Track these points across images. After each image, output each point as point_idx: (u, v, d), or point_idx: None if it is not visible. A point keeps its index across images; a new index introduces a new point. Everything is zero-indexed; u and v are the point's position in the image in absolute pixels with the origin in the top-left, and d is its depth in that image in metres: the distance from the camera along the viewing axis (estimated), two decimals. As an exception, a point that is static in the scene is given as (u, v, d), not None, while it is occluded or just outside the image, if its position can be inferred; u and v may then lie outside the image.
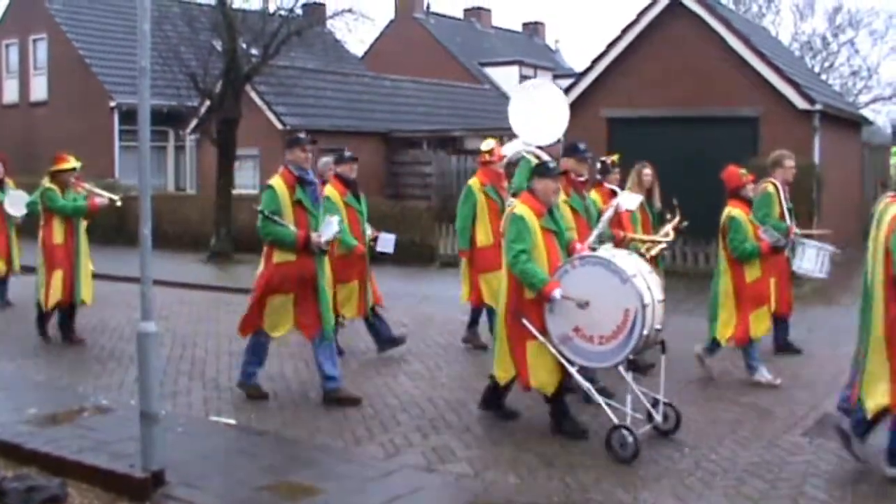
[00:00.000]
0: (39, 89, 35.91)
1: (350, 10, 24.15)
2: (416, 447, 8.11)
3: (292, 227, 9.22)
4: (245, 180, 28.18)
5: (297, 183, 9.44)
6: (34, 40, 36.04)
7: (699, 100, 20.44)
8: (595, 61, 22.69)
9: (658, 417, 8.30)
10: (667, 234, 11.48)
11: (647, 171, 11.94)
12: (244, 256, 22.19)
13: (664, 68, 21.31)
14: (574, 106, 22.73)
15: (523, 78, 45.70)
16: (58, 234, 12.61)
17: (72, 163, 12.87)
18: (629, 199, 10.68)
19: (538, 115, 10.81)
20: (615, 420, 7.84)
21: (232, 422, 8.88)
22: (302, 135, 10.13)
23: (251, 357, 9.80)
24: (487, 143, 12.28)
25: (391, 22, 48.33)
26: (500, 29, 55.22)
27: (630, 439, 7.62)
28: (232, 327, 12.44)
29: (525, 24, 58.54)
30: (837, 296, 16.32)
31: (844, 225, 20.96)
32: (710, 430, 8.55)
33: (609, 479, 7.25)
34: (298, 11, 24.38)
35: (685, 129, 20.28)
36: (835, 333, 11.53)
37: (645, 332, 7.85)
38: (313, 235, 9.26)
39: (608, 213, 9.76)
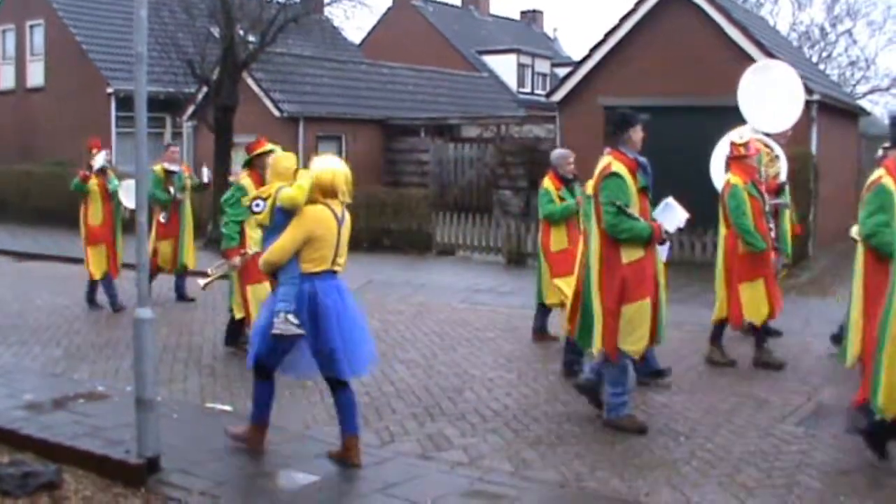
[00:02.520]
0: (36, 75, 35.76)
1: (348, -3, 24.12)
2: (412, 435, 8.12)
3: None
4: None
5: (638, 167, 8.22)
6: (31, 26, 35.88)
7: (697, 89, 20.42)
8: (593, 50, 22.67)
9: None
10: None
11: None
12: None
13: (662, 57, 21.29)
14: (571, 94, 22.86)
15: (521, 66, 45.73)
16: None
17: (268, 146, 10.75)
18: None
19: (772, 101, 10.46)
20: None
21: (227, 408, 8.89)
22: (639, 114, 8.51)
23: (618, 387, 8.25)
24: (740, 134, 10.98)
25: (389, 9, 48.25)
26: (498, 17, 55.17)
27: None
28: (227, 314, 12.43)
29: (523, 13, 58.51)
30: (834, 286, 16.35)
31: (841, 214, 20.95)
32: (706, 420, 8.56)
33: (604, 467, 7.26)
34: (296, -1, 24.36)
35: (683, 118, 20.23)
36: (831, 324, 11.51)
37: None
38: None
39: None
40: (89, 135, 32.47)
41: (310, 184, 7.06)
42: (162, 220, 14.87)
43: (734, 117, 12.24)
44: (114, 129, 32.67)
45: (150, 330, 7.18)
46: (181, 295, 15.17)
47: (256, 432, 7.61)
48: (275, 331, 7.09)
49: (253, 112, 27.09)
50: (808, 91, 19.88)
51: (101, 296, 14.32)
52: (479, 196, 28.60)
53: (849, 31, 50.56)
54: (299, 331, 7.07)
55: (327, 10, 26.18)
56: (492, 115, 33.13)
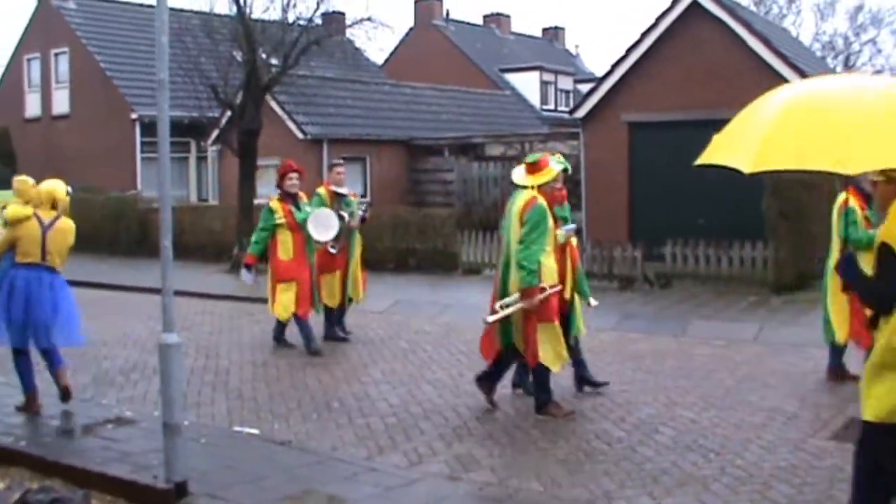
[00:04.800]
0: (61, 103, 36.08)
1: (369, 19, 24.23)
2: (440, 455, 8.08)
3: None
4: (267, 190, 28.19)
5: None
6: (56, 54, 36.20)
7: (720, 102, 20.29)
8: (615, 65, 22.65)
9: None
10: None
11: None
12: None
13: (685, 71, 21.26)
14: (595, 110, 22.83)
15: (544, 83, 45.79)
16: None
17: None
18: None
19: None
20: None
21: (255, 432, 8.88)
22: None
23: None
24: None
25: (411, 29, 48.42)
26: (520, 35, 55.24)
27: None
28: (255, 337, 12.47)
29: (545, 30, 58.60)
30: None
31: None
32: (736, 436, 8.49)
33: (633, 485, 7.21)
34: (318, 21, 24.44)
35: (707, 131, 19.99)
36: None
37: None
38: None
39: None
40: (115, 161, 32.94)
41: None
42: (332, 250, 13.09)
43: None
44: (139, 155, 32.90)
45: (177, 355, 7.19)
46: (331, 334, 13.52)
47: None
48: None
49: (277, 135, 27.19)
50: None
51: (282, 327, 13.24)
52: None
53: (873, 41, 50.51)
54: None
55: (349, 32, 26.24)
56: (515, 132, 33.10)
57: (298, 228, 12.63)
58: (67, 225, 9.74)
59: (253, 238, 12.92)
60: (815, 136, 5.08)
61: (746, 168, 5.23)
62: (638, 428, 8.77)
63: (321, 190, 13.40)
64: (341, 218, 12.98)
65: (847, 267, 5.72)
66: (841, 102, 5.24)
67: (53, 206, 9.63)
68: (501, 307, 9.17)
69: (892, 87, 5.39)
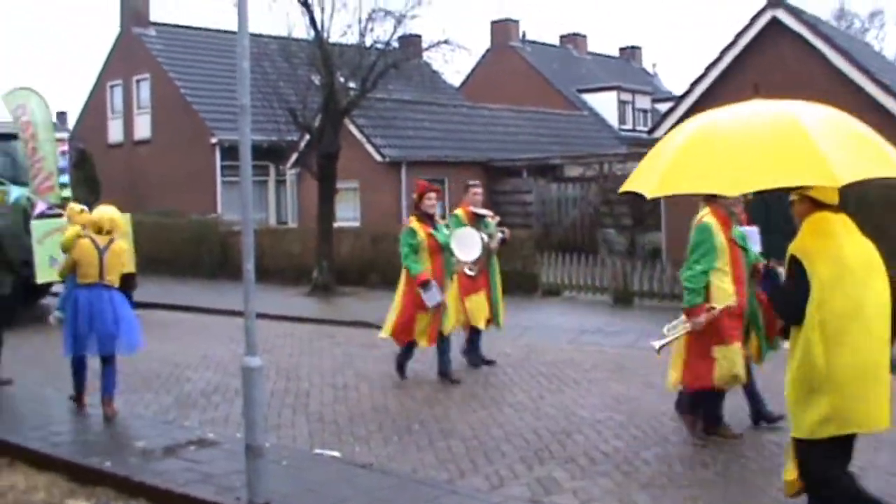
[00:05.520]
0: (143, 128, 36.72)
1: (446, 42, 24.21)
2: (521, 478, 8.01)
3: None
4: (345, 213, 28.42)
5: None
6: (138, 81, 36.89)
7: (803, 120, 20.10)
8: (694, 84, 22.48)
9: None
10: None
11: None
12: (346, 289, 22.33)
13: (765, 88, 20.92)
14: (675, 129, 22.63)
15: (622, 103, 45.61)
16: None
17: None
18: None
19: None
20: None
21: (336, 454, 8.87)
22: None
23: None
24: None
25: (487, 51, 48.51)
26: (597, 55, 55.10)
27: None
28: (335, 360, 12.51)
29: (622, 49, 58.38)
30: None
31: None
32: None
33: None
34: (395, 44, 24.54)
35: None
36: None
37: None
38: None
39: None
40: (195, 185, 33.38)
41: None
42: (469, 272, 12.63)
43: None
44: (219, 179, 33.33)
45: (260, 378, 7.23)
46: (475, 359, 13.11)
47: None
48: None
49: (356, 158, 27.36)
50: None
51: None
52: (584, 235, 28.44)
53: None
54: None
55: (426, 55, 26.29)
56: (594, 153, 32.93)
57: (439, 251, 12.00)
58: (121, 247, 10.76)
59: (408, 260, 11.86)
60: (711, 162, 5.52)
61: (649, 193, 5.77)
62: (742, 456, 8.63)
63: (459, 211, 12.97)
64: (482, 239, 12.52)
65: (766, 280, 6.27)
66: (735, 131, 5.66)
67: (108, 231, 10.57)
68: (668, 330, 8.80)
69: (780, 114, 5.75)
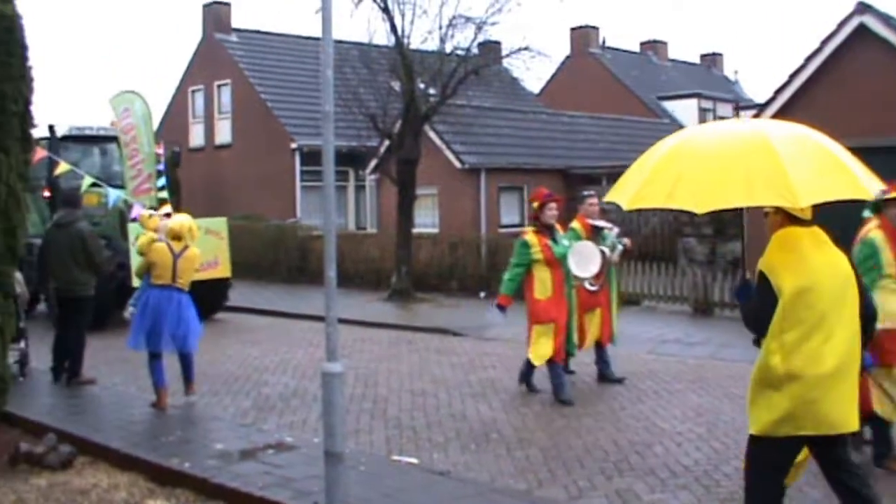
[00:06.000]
0: (224, 133, 37.16)
1: (527, 48, 24.09)
2: (600, 490, 7.94)
3: None
4: (424, 219, 28.48)
5: None
6: (219, 86, 37.35)
7: (889, 129, 19.70)
8: (778, 91, 22.11)
9: None
10: None
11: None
12: (425, 295, 22.35)
13: (851, 97, 20.61)
14: (758, 138, 22.30)
15: (702, 111, 45.16)
16: None
17: None
18: None
19: None
20: None
21: (414, 461, 8.87)
22: None
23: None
24: None
25: (567, 58, 48.31)
26: (678, 61, 54.64)
27: None
28: (413, 365, 12.53)
29: (703, 56, 57.83)
30: None
31: None
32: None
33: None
34: (475, 51, 24.51)
35: (874, 159, 19.42)
36: None
37: None
38: None
39: None
40: (275, 189, 33.70)
41: None
42: (591, 287, 12.15)
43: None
44: (298, 183, 33.60)
45: (340, 384, 7.23)
46: (608, 375, 12.60)
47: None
48: None
49: (435, 164, 27.40)
50: None
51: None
52: (664, 244, 28.19)
53: None
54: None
55: (506, 62, 26.23)
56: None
57: (557, 264, 11.42)
58: (193, 254, 11.53)
59: (506, 275, 11.67)
60: (680, 178, 5.75)
61: (625, 205, 6.06)
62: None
63: (576, 223, 12.33)
64: (602, 252, 11.95)
65: (739, 292, 6.36)
66: (706, 148, 5.89)
67: (178, 238, 11.35)
68: None
69: (752, 133, 5.86)
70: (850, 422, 5.83)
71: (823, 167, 5.64)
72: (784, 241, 5.97)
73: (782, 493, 6.02)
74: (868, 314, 6.02)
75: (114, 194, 15.34)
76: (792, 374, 5.71)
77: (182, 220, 11.56)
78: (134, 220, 15.12)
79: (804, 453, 6.09)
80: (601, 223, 12.51)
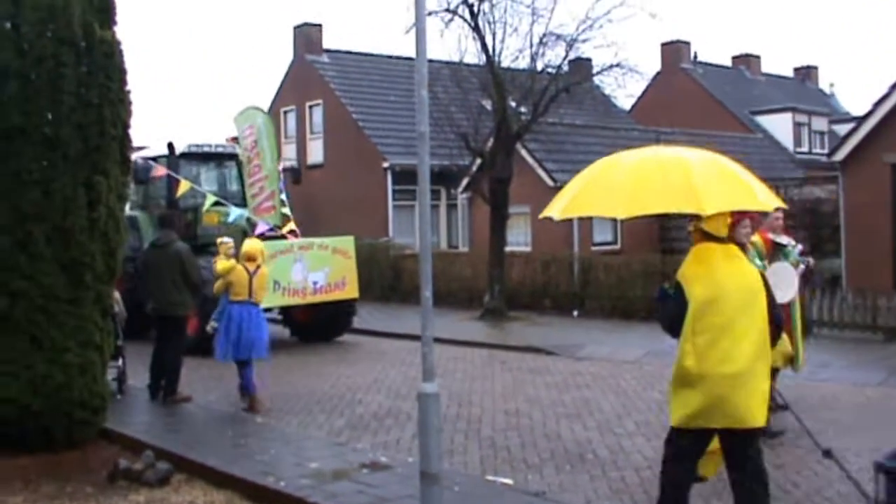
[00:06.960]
0: (316, 152, 37.45)
1: (618, 65, 23.97)
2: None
3: None
4: (517, 237, 28.39)
5: None
6: (310, 106, 37.69)
7: None
8: (877, 104, 21.73)
9: None
10: None
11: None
12: (518, 314, 22.30)
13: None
14: (855, 152, 21.95)
15: (797, 125, 44.49)
16: None
17: None
18: None
19: None
20: None
21: (509, 482, 8.82)
22: None
23: None
24: None
25: (658, 74, 47.88)
26: (771, 75, 53.87)
27: None
28: (507, 385, 12.47)
29: (797, 69, 56.93)
30: None
31: None
32: None
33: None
34: (566, 68, 24.45)
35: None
36: None
37: None
38: None
39: None
40: (367, 208, 33.84)
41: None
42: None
43: None
44: (390, 202, 33.71)
45: (436, 404, 7.23)
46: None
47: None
48: None
49: (527, 182, 27.32)
50: None
51: None
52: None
53: None
54: None
55: (597, 79, 26.11)
56: (768, 177, 32.11)
57: None
58: (265, 272, 13.07)
59: None
60: (608, 189, 6.78)
61: (557, 215, 6.88)
62: None
63: (756, 238, 10.77)
64: (800, 274, 11.03)
65: (658, 299, 7.08)
66: (631, 165, 6.88)
67: (252, 259, 12.70)
68: None
69: (672, 154, 7.09)
70: (756, 417, 6.45)
71: (729, 184, 6.74)
72: (699, 255, 6.82)
73: (691, 478, 6.77)
74: (776, 323, 6.74)
75: (235, 212, 15.53)
76: (704, 374, 6.40)
77: (254, 244, 13.18)
78: (262, 236, 15.28)
79: (714, 444, 6.68)
80: (784, 239, 11.33)
